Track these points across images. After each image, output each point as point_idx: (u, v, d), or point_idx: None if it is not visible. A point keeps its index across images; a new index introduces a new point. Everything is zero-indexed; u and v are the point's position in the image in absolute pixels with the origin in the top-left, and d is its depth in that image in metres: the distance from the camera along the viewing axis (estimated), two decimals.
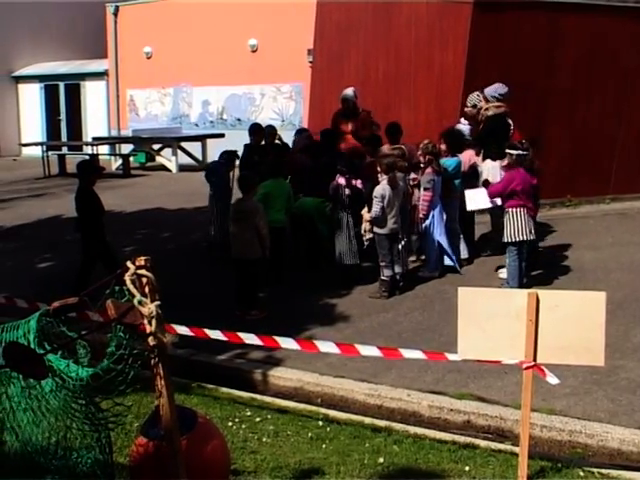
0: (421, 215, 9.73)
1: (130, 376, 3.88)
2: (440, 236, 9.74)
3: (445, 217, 9.84)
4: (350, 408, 6.57)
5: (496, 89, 10.50)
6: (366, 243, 9.40)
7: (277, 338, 5.91)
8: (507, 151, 8.98)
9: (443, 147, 10.05)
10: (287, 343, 5.87)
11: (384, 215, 9.01)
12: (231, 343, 7.45)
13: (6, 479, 4.38)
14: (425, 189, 9.65)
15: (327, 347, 5.89)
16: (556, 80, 13.52)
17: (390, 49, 14.75)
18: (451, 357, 5.35)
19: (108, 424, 4.21)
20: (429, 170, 9.66)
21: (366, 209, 9.26)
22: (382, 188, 9.01)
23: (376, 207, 8.96)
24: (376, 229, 9.11)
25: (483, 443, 5.62)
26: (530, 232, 8.76)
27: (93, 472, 4.40)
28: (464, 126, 10.93)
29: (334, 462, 5.25)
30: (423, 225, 9.78)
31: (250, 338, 6.00)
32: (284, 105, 23.62)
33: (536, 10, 13.26)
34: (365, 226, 9.28)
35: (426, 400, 6.43)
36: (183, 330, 5.93)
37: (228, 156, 11.43)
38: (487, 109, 10.39)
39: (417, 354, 5.67)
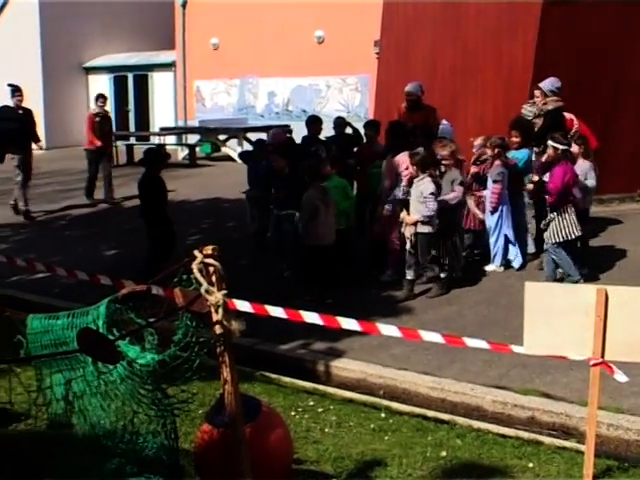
0: (490, 208, 9.58)
1: (196, 364, 3.93)
2: (508, 229, 9.61)
3: (513, 211, 9.71)
4: (413, 401, 6.55)
5: (552, 83, 10.36)
6: (410, 246, 8.90)
7: (339, 318, 5.85)
8: (552, 144, 8.68)
9: (514, 139, 9.88)
10: (349, 324, 5.77)
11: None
12: (294, 333, 7.58)
13: (75, 460, 4.48)
14: (494, 182, 9.47)
15: (389, 330, 5.85)
16: (628, 73, 13.23)
17: (458, 41, 14.60)
18: (516, 349, 5.29)
19: (174, 410, 4.27)
20: (498, 163, 9.53)
21: (405, 212, 8.91)
22: (431, 186, 8.72)
23: (433, 205, 8.68)
24: (422, 228, 8.75)
25: (547, 440, 5.56)
26: (579, 228, 8.62)
27: (158, 457, 4.47)
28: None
29: (396, 454, 5.24)
30: (491, 218, 9.63)
31: (311, 317, 5.90)
32: (350, 97, 23.57)
33: (607, 1, 12.99)
34: (410, 229, 8.81)
35: (490, 395, 6.38)
36: (245, 307, 5.84)
37: (259, 145, 11.54)
38: (545, 103, 10.23)
39: (481, 343, 5.60)
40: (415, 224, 8.75)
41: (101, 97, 16.34)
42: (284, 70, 24.20)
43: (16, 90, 14.05)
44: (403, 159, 9.24)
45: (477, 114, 12.97)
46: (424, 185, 8.72)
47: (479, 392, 6.44)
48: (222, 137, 23.23)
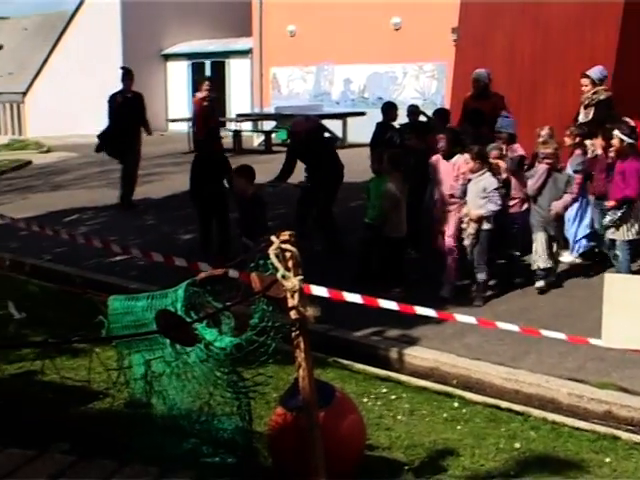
0: (569, 198, 9.25)
1: (271, 348, 3.97)
2: (587, 221, 9.41)
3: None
4: (486, 391, 6.50)
5: (601, 71, 10.10)
6: (468, 244, 8.49)
7: (416, 307, 5.84)
8: (618, 135, 8.29)
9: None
10: (424, 311, 5.73)
11: None
12: (368, 320, 7.59)
13: (152, 439, 4.57)
14: (575, 171, 9.21)
15: (465, 319, 5.82)
16: None
17: (538, 28, 14.32)
18: (593, 342, 5.19)
19: (249, 393, 4.34)
20: (578, 152, 9.32)
21: (465, 208, 8.51)
22: (495, 181, 8.42)
23: (499, 200, 8.38)
24: (485, 225, 8.38)
25: (625, 435, 5.45)
26: None
27: (233, 439, 4.55)
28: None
29: (469, 444, 5.21)
30: (570, 209, 9.38)
31: (387, 304, 5.77)
32: (426, 84, 23.39)
33: None
34: (472, 225, 8.39)
35: (565, 387, 6.29)
36: (321, 292, 5.74)
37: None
38: (596, 92, 9.96)
39: (557, 335, 5.51)
40: (479, 221, 8.38)
41: (207, 80, 15.26)
42: (360, 57, 24.13)
43: (126, 73, 13.95)
44: (460, 162, 8.81)
45: (556, 102, 12.71)
46: (486, 180, 8.37)
47: (554, 384, 6.35)
48: None
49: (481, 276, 8.46)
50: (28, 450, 4.10)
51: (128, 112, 13.63)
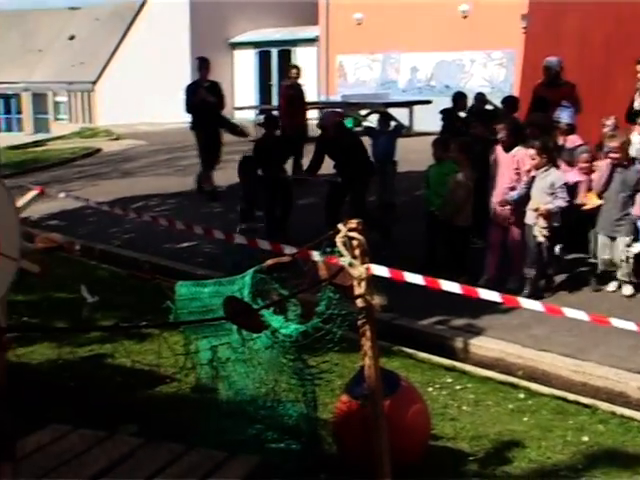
0: None
1: (337, 336, 3.98)
2: None
3: None
4: (552, 383, 6.41)
5: None
6: (542, 240, 8.14)
7: (479, 290, 5.77)
8: None
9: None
10: (488, 295, 5.63)
11: None
12: (433, 309, 7.56)
13: (217, 424, 4.62)
14: None
15: (530, 304, 5.76)
16: None
17: (611, 13, 14.02)
18: None
19: (314, 380, 4.35)
20: None
21: (532, 202, 8.16)
22: (562, 176, 8.15)
23: (566, 196, 8.09)
24: (553, 221, 8.09)
25: None
26: None
27: (297, 425, 4.57)
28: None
29: (535, 436, 5.15)
30: None
31: (450, 286, 5.74)
32: (494, 72, 23.12)
33: None
34: (542, 221, 8.06)
35: (635, 381, 6.17)
36: (382, 271, 5.59)
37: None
38: None
39: (629, 325, 5.41)
40: (548, 216, 8.09)
41: (294, 68, 15.22)
42: (427, 45, 23.96)
43: (203, 62, 13.80)
44: (522, 155, 8.50)
45: (627, 91, 12.44)
46: (554, 175, 8.10)
47: (623, 377, 6.23)
48: (363, 112, 23.26)
49: (548, 270, 8.32)
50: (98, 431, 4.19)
51: (208, 102, 13.40)
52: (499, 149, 8.73)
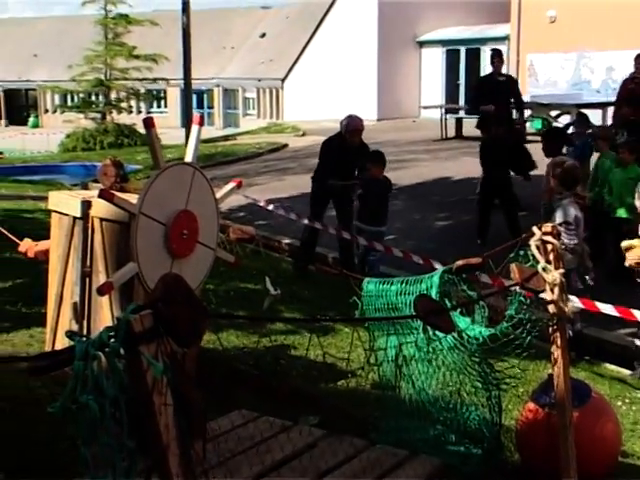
0: None
1: (526, 342, 3.88)
2: None
3: None
4: None
5: None
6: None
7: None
8: None
9: None
10: None
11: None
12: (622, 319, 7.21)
13: (397, 422, 4.62)
14: None
15: None
16: None
17: None
18: None
19: (499, 385, 4.27)
20: None
21: None
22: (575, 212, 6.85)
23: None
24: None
25: None
26: None
27: (479, 430, 4.50)
28: None
29: None
30: None
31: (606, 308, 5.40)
32: None
33: None
34: None
35: None
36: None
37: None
38: None
39: None
40: None
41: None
42: (624, 43, 22.91)
43: (495, 55, 13.07)
44: None
45: None
46: (564, 210, 6.82)
47: None
48: (553, 113, 22.59)
49: None
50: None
51: (500, 95, 12.56)
52: None
